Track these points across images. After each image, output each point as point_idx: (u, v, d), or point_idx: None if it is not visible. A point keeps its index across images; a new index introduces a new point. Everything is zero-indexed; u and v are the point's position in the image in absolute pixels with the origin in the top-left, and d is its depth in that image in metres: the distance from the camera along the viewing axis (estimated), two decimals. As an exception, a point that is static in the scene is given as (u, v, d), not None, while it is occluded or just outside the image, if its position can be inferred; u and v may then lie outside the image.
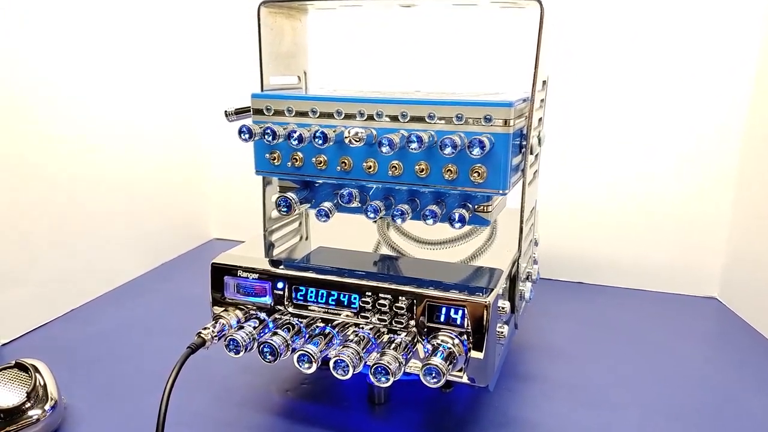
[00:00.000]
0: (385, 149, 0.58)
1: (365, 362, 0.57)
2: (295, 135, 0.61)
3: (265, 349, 0.58)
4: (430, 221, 0.60)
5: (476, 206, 0.63)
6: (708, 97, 0.97)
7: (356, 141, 0.59)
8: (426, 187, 0.61)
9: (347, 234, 0.77)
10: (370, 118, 0.62)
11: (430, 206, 0.60)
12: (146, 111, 1.10)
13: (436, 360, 0.54)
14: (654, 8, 0.97)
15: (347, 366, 0.55)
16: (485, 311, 0.55)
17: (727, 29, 0.94)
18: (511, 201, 0.70)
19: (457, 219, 0.60)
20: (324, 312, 0.61)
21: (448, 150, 0.56)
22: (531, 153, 0.64)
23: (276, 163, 0.66)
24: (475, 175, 0.59)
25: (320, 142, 0.60)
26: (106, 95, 1.01)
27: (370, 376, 0.55)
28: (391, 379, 0.55)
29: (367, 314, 0.59)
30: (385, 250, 0.72)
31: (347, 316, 0.61)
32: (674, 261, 1.02)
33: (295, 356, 0.57)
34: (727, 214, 0.99)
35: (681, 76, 0.98)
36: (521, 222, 0.65)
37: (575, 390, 0.75)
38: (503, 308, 0.59)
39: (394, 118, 0.61)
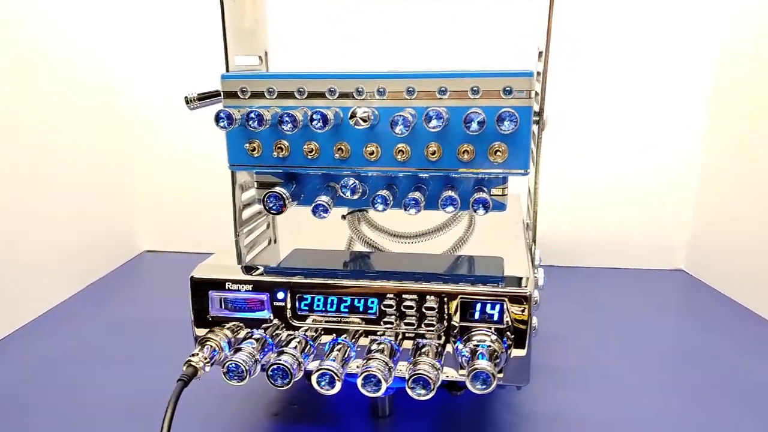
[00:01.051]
0: (398, 129, 0.51)
1: (394, 374, 0.50)
2: (287, 119, 0.52)
3: (276, 373, 0.49)
4: (450, 209, 0.54)
5: (491, 190, 0.57)
6: (672, 82, 0.99)
7: (363, 122, 0.51)
8: (437, 172, 0.55)
9: (315, 233, 0.69)
10: (371, 96, 0.54)
11: (447, 192, 0.54)
12: (60, 104, 0.95)
13: (482, 363, 0.47)
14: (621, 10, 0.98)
15: (379, 381, 0.48)
16: (526, 303, 0.50)
17: (687, 30, 0.97)
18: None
19: (481, 204, 0.54)
20: (334, 322, 0.53)
21: (474, 126, 0.50)
22: (542, 130, 0.59)
23: (255, 155, 0.57)
24: (496, 154, 0.53)
25: (319, 125, 0.52)
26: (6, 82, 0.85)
27: (407, 389, 0.48)
28: (432, 391, 0.48)
29: (390, 319, 0.52)
30: (359, 247, 0.65)
31: (362, 323, 0.53)
32: (641, 237, 1.03)
33: (314, 378, 0.49)
34: (691, 191, 1.01)
35: (648, 65, 0.99)
36: (535, 204, 0.60)
37: (579, 376, 0.72)
38: (536, 299, 0.53)
39: (398, 96, 0.54)
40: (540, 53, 0.63)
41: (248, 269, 0.56)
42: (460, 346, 0.51)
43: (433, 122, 0.50)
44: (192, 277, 0.55)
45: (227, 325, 0.55)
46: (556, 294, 0.94)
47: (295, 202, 0.58)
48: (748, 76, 0.91)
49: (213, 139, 1.11)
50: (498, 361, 0.49)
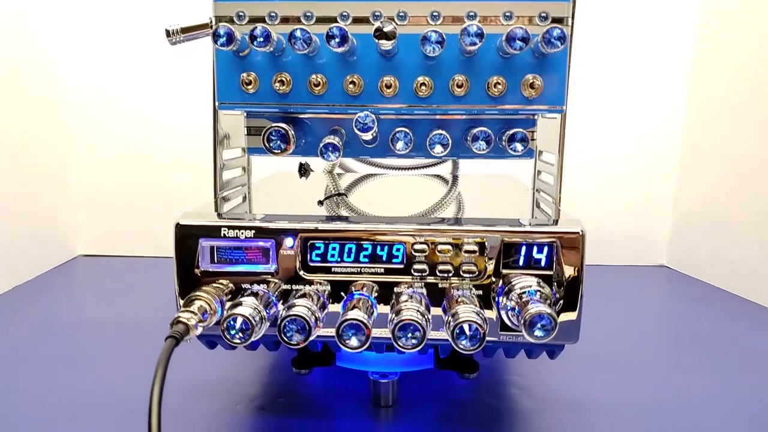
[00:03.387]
0: (429, 48, 0.44)
1: (430, 324, 0.42)
2: (300, 34, 0.45)
3: (290, 326, 0.40)
4: (482, 145, 0.48)
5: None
6: (650, 79, 1.00)
7: (388, 41, 0.45)
8: (464, 110, 0.49)
9: (287, 195, 0.63)
10: (390, 20, 0.48)
11: (479, 128, 0.48)
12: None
13: (539, 305, 0.40)
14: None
15: (417, 329, 0.40)
16: (580, 244, 0.44)
17: (662, 29, 0.98)
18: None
19: (518, 140, 0.48)
20: (353, 274, 0.45)
21: (517, 45, 0.44)
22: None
23: (251, 90, 0.49)
24: (531, 88, 0.48)
25: (336, 42, 0.45)
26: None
27: (453, 342, 0.40)
28: (481, 343, 0.40)
29: (422, 267, 0.44)
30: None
31: (384, 274, 0.45)
32: (622, 234, 1.01)
33: (338, 330, 0.40)
34: (670, 186, 1.01)
35: (627, 59, 1.00)
36: (561, 154, 0.55)
37: (593, 362, 0.66)
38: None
39: (420, 21, 0.48)
40: None
41: (265, 216, 0.47)
42: (503, 300, 0.44)
43: (470, 40, 0.44)
44: (178, 224, 0.45)
45: (218, 284, 0.45)
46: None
47: (294, 146, 0.50)
48: (723, 76, 0.92)
49: (151, 137, 1.02)
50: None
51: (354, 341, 0.40)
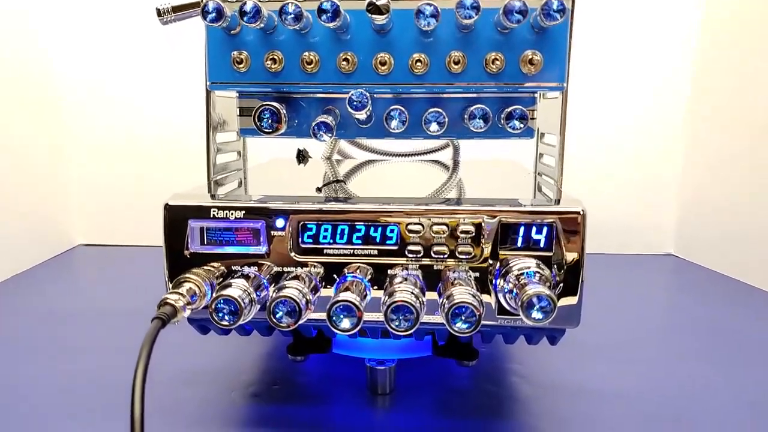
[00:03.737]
0: (424, 22, 0.43)
1: (424, 308, 0.40)
2: (289, 10, 0.44)
3: (280, 308, 0.39)
4: (479, 124, 0.46)
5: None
6: (655, 63, 0.98)
7: (381, 15, 0.43)
8: (461, 88, 0.47)
9: (283, 181, 0.62)
10: (385, -5, 0.46)
11: (477, 106, 0.46)
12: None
13: (537, 286, 0.39)
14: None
15: (411, 310, 0.38)
16: (581, 224, 0.42)
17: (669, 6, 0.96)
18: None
19: (516, 117, 0.46)
20: (346, 256, 0.44)
21: (515, 18, 0.43)
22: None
23: (242, 69, 0.48)
24: (530, 64, 0.46)
25: (328, 17, 0.43)
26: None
27: (448, 324, 0.39)
28: (476, 327, 0.39)
29: (417, 248, 0.43)
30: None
31: (378, 256, 0.44)
32: (628, 222, 0.99)
33: (329, 312, 0.39)
34: (677, 175, 0.99)
35: (631, 46, 0.98)
36: (562, 135, 0.53)
37: (595, 350, 0.65)
38: (579, 229, 0.46)
39: (415, -4, 0.46)
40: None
41: (255, 197, 0.46)
42: (500, 282, 0.42)
43: (465, 14, 0.42)
44: (167, 204, 0.44)
45: (208, 267, 0.44)
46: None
47: (286, 126, 0.49)
48: (728, 62, 0.91)
49: (152, 127, 1.01)
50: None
51: (346, 323, 0.39)
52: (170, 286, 0.43)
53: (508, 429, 0.49)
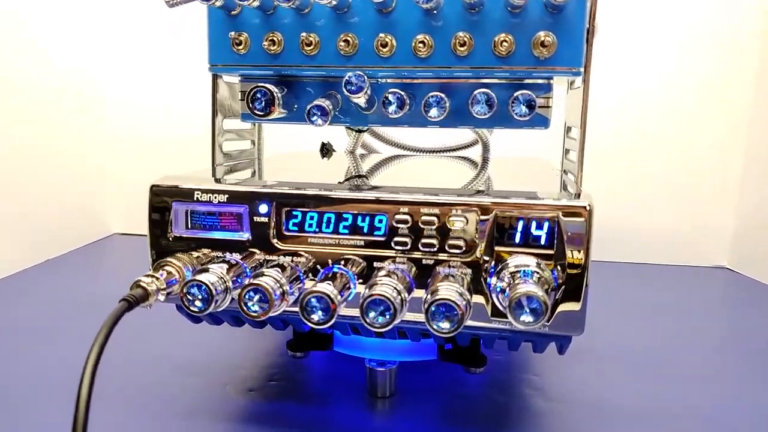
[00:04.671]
0: (428, 1, 0.40)
1: (407, 305, 0.37)
2: (286, -13, 0.42)
3: (250, 295, 0.37)
4: (481, 110, 0.43)
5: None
6: (713, 75, 0.91)
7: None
8: (467, 71, 0.44)
9: (302, 171, 0.60)
10: (389, -28, 0.44)
11: (481, 90, 0.43)
12: (23, 60, 0.85)
13: (528, 286, 0.35)
14: None
15: (389, 307, 0.35)
16: (586, 219, 0.38)
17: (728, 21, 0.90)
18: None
19: (524, 103, 0.42)
20: (332, 247, 0.41)
21: (521, -6, 0.39)
22: (593, 36, 0.48)
23: (242, 51, 0.46)
24: (542, 47, 0.42)
25: (323, -5, 0.41)
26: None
27: (428, 322, 0.35)
28: (458, 327, 0.35)
29: (405, 240, 0.40)
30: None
31: (365, 247, 0.41)
32: (679, 231, 0.92)
33: (302, 302, 0.36)
34: (734, 186, 0.91)
35: (688, 57, 0.92)
36: (583, 128, 0.49)
37: (613, 362, 0.60)
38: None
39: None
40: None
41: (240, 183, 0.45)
42: (494, 281, 0.39)
43: (468, -11, 0.39)
44: (152, 186, 0.43)
45: (195, 254, 0.43)
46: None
47: (285, 111, 0.47)
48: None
49: (188, 122, 1.02)
50: (547, 293, 0.37)
51: (317, 315, 0.36)
52: (151, 270, 0.41)
53: (510, 443, 0.46)
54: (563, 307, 0.39)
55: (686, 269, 0.92)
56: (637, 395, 0.53)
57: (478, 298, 0.39)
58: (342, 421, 0.48)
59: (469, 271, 0.39)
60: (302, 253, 0.41)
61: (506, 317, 0.39)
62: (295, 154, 0.75)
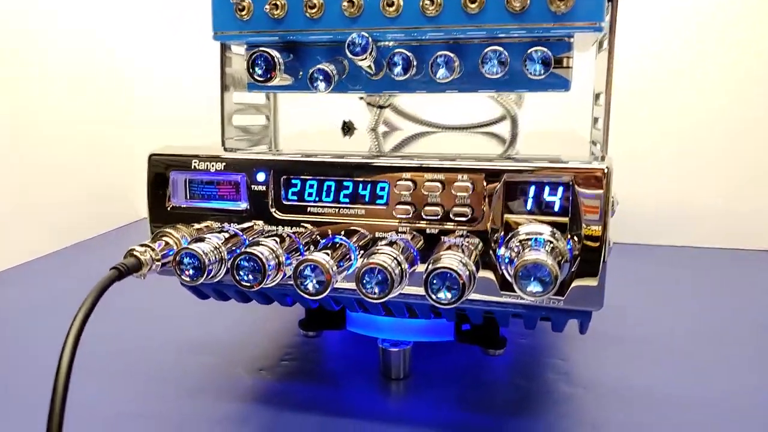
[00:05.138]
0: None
1: (407, 276, 0.35)
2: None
3: (244, 264, 0.35)
4: (495, 69, 0.40)
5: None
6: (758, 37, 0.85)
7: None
8: (479, 30, 0.41)
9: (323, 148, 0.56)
10: (394, -72, 0.41)
11: (491, 47, 0.40)
12: (52, 40, 0.86)
13: (536, 253, 0.32)
14: None
15: (385, 278, 0.33)
16: (603, 182, 0.35)
17: None
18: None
19: (539, 61, 0.39)
20: (332, 216, 0.39)
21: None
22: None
23: (245, 18, 0.45)
24: (558, 2, 0.39)
25: (323, -50, 0.39)
26: None
27: (427, 292, 0.33)
28: (460, 297, 0.33)
29: (408, 208, 0.38)
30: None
31: (366, 216, 0.39)
32: (723, 213, 0.87)
33: (296, 271, 0.34)
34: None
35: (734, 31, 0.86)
36: (608, 92, 0.45)
37: (649, 347, 0.56)
38: (613, 196, 0.38)
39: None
40: None
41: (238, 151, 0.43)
42: (503, 251, 0.36)
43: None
44: (151, 155, 0.42)
45: (196, 225, 0.41)
46: (632, 272, 0.77)
47: (288, 79, 0.45)
48: None
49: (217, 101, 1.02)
50: (561, 267, 0.34)
51: (311, 286, 0.34)
52: (150, 240, 0.40)
53: (528, 428, 0.43)
54: (578, 281, 0.36)
55: (730, 252, 0.86)
56: (670, 382, 0.49)
57: (486, 273, 0.36)
58: (353, 403, 0.46)
59: (477, 241, 0.37)
60: (303, 223, 0.39)
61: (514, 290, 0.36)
62: (316, 132, 0.73)
